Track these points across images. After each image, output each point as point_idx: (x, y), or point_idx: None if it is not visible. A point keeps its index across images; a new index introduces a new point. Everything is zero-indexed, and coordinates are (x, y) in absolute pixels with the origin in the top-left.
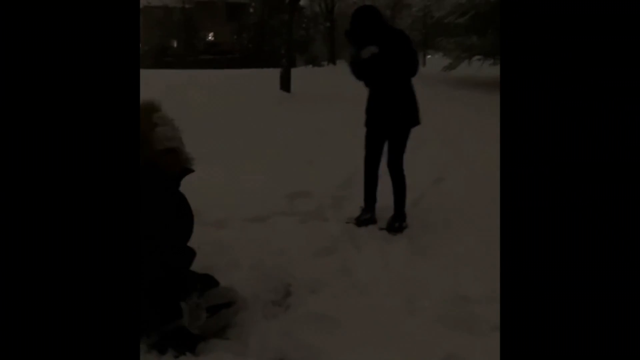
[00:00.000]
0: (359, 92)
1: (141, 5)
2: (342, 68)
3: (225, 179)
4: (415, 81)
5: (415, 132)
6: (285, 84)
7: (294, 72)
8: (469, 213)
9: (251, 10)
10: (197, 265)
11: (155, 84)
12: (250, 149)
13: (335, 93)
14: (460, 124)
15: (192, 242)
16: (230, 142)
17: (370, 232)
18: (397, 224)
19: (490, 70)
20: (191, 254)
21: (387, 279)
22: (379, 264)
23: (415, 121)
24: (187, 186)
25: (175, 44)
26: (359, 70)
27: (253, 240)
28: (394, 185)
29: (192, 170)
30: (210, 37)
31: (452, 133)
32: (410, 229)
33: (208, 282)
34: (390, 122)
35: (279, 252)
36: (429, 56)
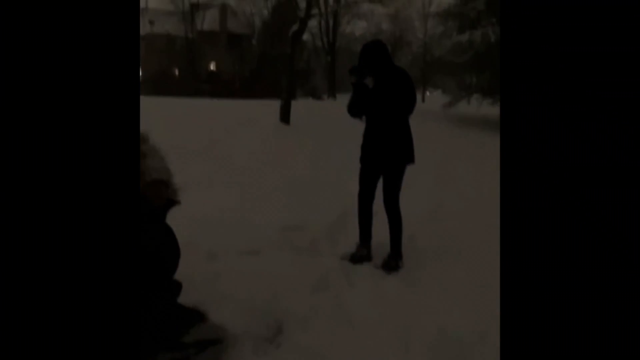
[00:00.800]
0: (358, 127)
1: (144, 33)
2: (342, 102)
3: (220, 209)
4: (414, 117)
5: (412, 168)
6: (285, 116)
7: (294, 104)
8: (465, 250)
9: (253, 41)
10: (186, 299)
11: (154, 112)
12: (246, 180)
13: (335, 127)
14: (458, 160)
15: (183, 274)
16: (227, 173)
17: (364, 269)
18: (393, 262)
19: (489, 109)
20: (177, 287)
21: (381, 315)
22: (372, 300)
23: (410, 159)
24: (180, 216)
25: (176, 72)
26: (359, 105)
27: (245, 274)
28: (390, 223)
29: (177, 202)
30: (211, 67)
31: (450, 169)
32: (404, 264)
33: (196, 316)
34: (386, 159)
35: (271, 286)
36: (428, 93)
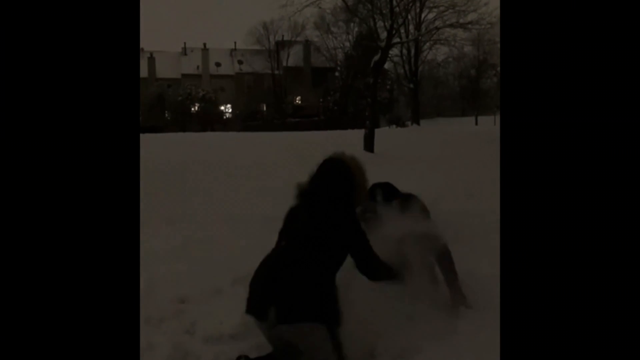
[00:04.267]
0: (442, 153)
1: (233, 72)
2: (425, 128)
3: None
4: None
5: None
6: (369, 145)
7: (378, 132)
8: None
9: (337, 74)
10: None
11: (242, 146)
12: None
13: (418, 154)
14: None
15: None
16: None
17: None
18: None
19: None
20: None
21: None
22: None
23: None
24: None
25: (264, 108)
26: None
27: None
28: None
29: None
30: (297, 101)
31: None
32: None
33: None
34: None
35: None
36: None
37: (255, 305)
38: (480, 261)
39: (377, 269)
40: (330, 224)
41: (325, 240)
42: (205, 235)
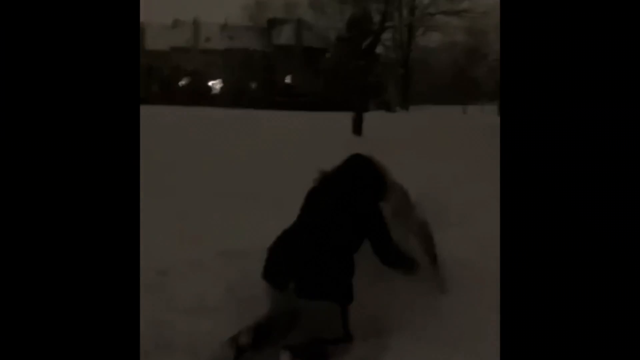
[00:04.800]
0: (430, 139)
1: (223, 47)
2: (415, 114)
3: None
4: (489, 132)
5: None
6: (357, 128)
7: (367, 116)
8: None
9: (328, 55)
10: None
11: (232, 124)
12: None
13: (407, 138)
14: None
15: None
16: (296, 184)
17: None
18: None
19: None
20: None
21: None
22: None
23: None
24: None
25: (253, 86)
26: None
27: None
28: None
29: None
30: (287, 80)
31: None
32: None
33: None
34: None
35: None
36: None
37: (274, 275)
38: (462, 247)
39: (392, 254)
40: (352, 210)
41: (346, 223)
42: (186, 208)
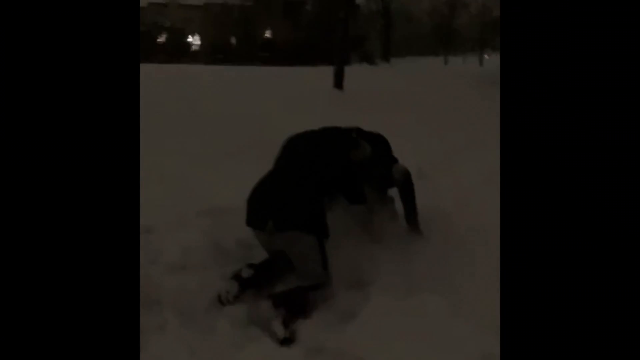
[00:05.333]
0: (412, 91)
1: (201, 2)
2: (396, 66)
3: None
4: (471, 83)
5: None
6: (338, 82)
7: (349, 70)
8: None
9: (308, 7)
10: None
11: (211, 80)
12: None
13: (388, 91)
14: None
15: None
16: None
17: None
18: None
19: None
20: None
21: None
22: None
23: None
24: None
25: (233, 41)
26: None
27: None
28: None
29: None
30: (267, 35)
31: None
32: None
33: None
34: None
35: None
36: (486, 56)
37: (254, 218)
38: (442, 196)
39: (358, 194)
40: (327, 161)
41: (319, 171)
42: (169, 166)
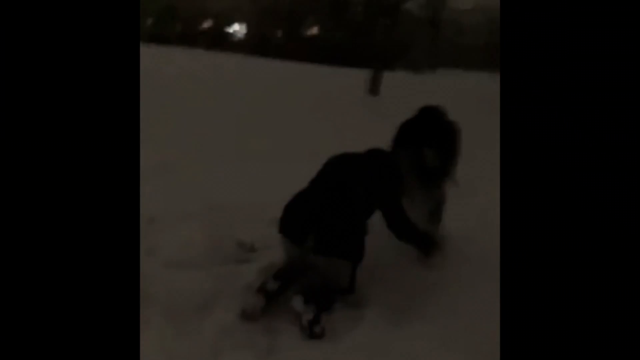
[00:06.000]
0: (450, 104)
1: None
2: (442, 76)
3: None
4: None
5: None
6: (374, 87)
7: (391, 76)
8: None
9: (358, 8)
10: None
11: (248, 72)
12: (319, 149)
13: (428, 100)
14: None
15: None
16: (302, 142)
17: None
18: None
19: None
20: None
21: None
22: None
23: None
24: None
25: (279, 34)
26: None
27: None
28: None
29: None
30: (313, 31)
31: None
32: None
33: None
34: None
35: None
36: None
37: (292, 230)
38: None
39: (405, 230)
40: (368, 184)
41: (360, 196)
42: (184, 158)
